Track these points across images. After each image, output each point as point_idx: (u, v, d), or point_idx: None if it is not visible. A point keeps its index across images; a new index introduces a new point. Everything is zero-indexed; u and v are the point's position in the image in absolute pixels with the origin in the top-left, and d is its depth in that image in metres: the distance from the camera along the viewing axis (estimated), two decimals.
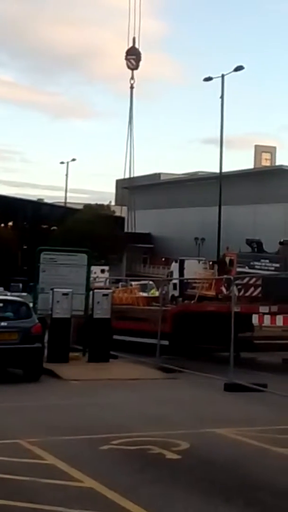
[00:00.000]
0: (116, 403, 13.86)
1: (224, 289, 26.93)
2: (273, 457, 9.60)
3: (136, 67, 46.88)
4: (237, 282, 23.62)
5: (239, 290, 24.06)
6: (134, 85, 47.58)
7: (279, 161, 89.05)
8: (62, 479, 8.06)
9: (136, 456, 9.34)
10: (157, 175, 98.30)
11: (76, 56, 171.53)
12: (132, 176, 74.47)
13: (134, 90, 52.35)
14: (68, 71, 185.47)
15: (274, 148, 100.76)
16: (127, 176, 59.22)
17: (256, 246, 38.51)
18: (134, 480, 8.18)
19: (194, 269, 44.42)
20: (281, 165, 73.95)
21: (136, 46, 48.56)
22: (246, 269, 32.68)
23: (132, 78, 47.10)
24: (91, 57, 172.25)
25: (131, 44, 51.43)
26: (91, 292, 20.22)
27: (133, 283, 45.92)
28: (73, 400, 14.17)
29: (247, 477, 8.53)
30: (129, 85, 47.30)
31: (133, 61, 47.04)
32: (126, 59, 47.59)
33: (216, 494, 7.78)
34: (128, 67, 47.03)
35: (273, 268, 33.14)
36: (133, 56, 47.15)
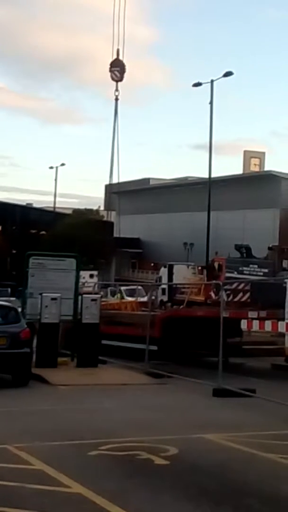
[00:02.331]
0: (105, 408, 13.83)
1: (213, 294, 27.01)
2: (262, 463, 9.60)
3: (121, 79, 46.67)
4: (226, 287, 23.67)
5: (228, 295, 24.11)
6: (119, 97, 47.36)
7: (268, 167, 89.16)
8: (50, 484, 8.03)
9: (125, 462, 9.32)
10: (146, 180, 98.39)
11: (66, 62, 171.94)
12: (115, 190, 74.22)
13: (119, 100, 52.29)
14: (58, 77, 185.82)
15: (263, 153, 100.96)
16: (112, 183, 59.10)
17: (245, 251, 38.66)
18: (122, 486, 8.16)
19: (183, 274, 44.53)
20: (270, 171, 74.07)
21: (121, 58, 48.45)
22: (235, 274, 32.80)
23: (116, 90, 46.86)
24: (82, 63, 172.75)
25: (115, 56, 51.41)
26: (79, 297, 20.19)
27: (122, 288, 46.04)
28: (61, 405, 14.13)
29: (235, 482, 8.53)
30: (114, 97, 47.04)
31: (117, 73, 46.83)
32: (111, 71, 47.39)
33: (204, 499, 7.77)
34: (113, 79, 46.82)
35: (261, 273, 33.27)
36: (117, 68, 46.97)
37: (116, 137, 44.46)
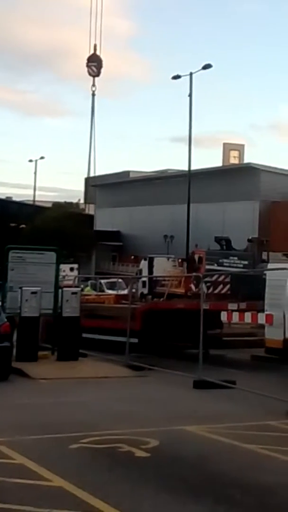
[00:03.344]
0: (86, 401, 13.83)
1: (193, 287, 27.04)
2: (242, 454, 9.65)
3: (98, 74, 46.48)
4: (206, 279, 23.75)
5: (208, 288, 24.18)
6: (96, 92, 47.07)
7: (247, 159, 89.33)
8: (31, 478, 8.03)
9: (106, 455, 9.33)
10: (126, 173, 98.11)
11: (47, 55, 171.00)
12: (95, 183, 73.69)
13: (97, 96, 51.77)
14: (39, 70, 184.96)
15: (242, 146, 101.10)
16: (92, 176, 59.03)
17: (225, 243, 38.76)
18: (103, 479, 8.18)
19: (163, 266, 44.51)
20: (249, 163, 74.14)
21: (98, 52, 48.28)
22: (215, 267, 32.89)
23: (93, 85, 46.59)
24: (62, 56, 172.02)
25: (92, 51, 50.76)
26: (60, 291, 20.15)
27: (102, 281, 46.00)
28: (42, 399, 14.11)
29: (216, 474, 8.57)
30: (91, 92, 46.72)
31: (94, 68, 46.65)
32: (88, 66, 47.17)
33: (185, 491, 7.80)
34: (90, 74, 46.62)
35: (241, 266, 33.39)
36: (94, 63, 46.79)
37: (93, 132, 44.42)
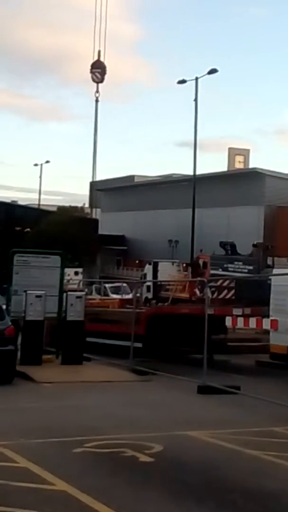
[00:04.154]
0: (89, 405, 13.83)
1: (197, 291, 27.00)
2: (246, 459, 9.63)
3: (101, 81, 46.41)
4: (210, 284, 23.70)
5: (213, 293, 24.13)
6: (100, 98, 47.04)
7: (252, 164, 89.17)
8: (34, 482, 8.02)
9: (109, 459, 9.32)
10: (131, 177, 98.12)
11: (52, 60, 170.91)
12: (100, 188, 73.30)
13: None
14: (44, 75, 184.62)
15: (248, 150, 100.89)
16: (96, 181, 58.92)
17: (230, 248, 38.65)
18: (107, 483, 8.17)
19: (168, 271, 44.43)
20: (255, 168, 74.10)
21: (102, 58, 48.29)
22: (220, 272, 32.75)
23: (97, 91, 46.52)
24: (67, 60, 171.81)
25: (96, 57, 50.63)
26: (64, 294, 20.16)
27: (106, 285, 45.98)
28: (46, 402, 14.11)
29: (219, 479, 8.56)
30: (94, 98, 46.73)
31: (98, 75, 46.54)
32: (92, 72, 47.09)
33: (188, 496, 7.79)
34: (94, 80, 46.50)
35: (246, 271, 33.26)
36: (98, 70, 46.68)
37: (96, 138, 44.34)
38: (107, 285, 46.26)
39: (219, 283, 25.93)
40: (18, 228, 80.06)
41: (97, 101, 46.11)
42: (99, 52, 46.48)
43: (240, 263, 34.10)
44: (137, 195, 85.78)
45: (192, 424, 11.77)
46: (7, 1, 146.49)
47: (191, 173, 50.81)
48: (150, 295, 37.69)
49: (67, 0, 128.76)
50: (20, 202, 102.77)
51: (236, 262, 34.21)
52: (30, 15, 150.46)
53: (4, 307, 18.51)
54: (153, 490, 7.97)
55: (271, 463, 9.43)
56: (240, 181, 71.35)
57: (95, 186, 76.53)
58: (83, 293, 22.98)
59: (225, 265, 34.08)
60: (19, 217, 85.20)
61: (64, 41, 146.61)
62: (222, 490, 8.09)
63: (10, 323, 16.97)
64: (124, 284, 39.70)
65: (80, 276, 49.39)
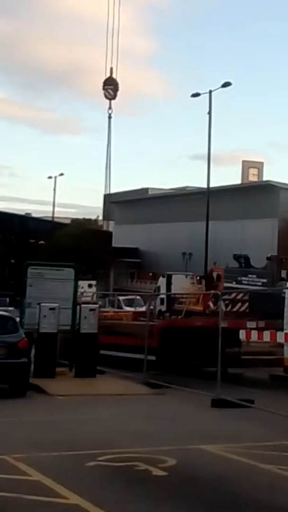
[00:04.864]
0: (103, 418, 13.79)
1: (211, 304, 26.93)
2: (260, 474, 9.56)
3: (114, 97, 46.26)
4: (224, 297, 23.64)
5: (227, 305, 24.07)
6: (112, 115, 47.07)
7: (266, 177, 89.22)
8: (47, 495, 7.99)
9: (123, 473, 9.28)
10: (145, 190, 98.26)
11: (66, 73, 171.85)
12: (114, 200, 73.15)
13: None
14: (58, 88, 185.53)
15: (262, 163, 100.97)
16: (111, 193, 58.89)
17: (244, 261, 38.54)
18: (120, 497, 8.13)
19: (182, 284, 44.37)
20: (268, 181, 74.07)
21: (114, 76, 48.46)
22: (234, 284, 32.66)
23: (110, 108, 46.56)
24: (81, 74, 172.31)
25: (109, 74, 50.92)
26: (78, 307, 20.16)
27: (120, 298, 45.96)
28: (59, 415, 14.08)
29: (233, 494, 8.49)
30: (107, 114, 46.88)
31: (111, 91, 46.41)
32: (104, 89, 47.13)
33: (201, 510, 7.73)
34: (106, 97, 46.41)
35: (260, 284, 33.17)
36: (110, 86, 46.61)
37: (109, 154, 44.31)
38: (120, 298, 46.22)
39: (233, 296, 25.87)
40: (32, 241, 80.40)
41: (110, 117, 46.12)
42: (111, 69, 46.59)
43: (254, 276, 34.01)
44: (151, 208, 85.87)
45: (206, 438, 11.71)
46: (22, 16, 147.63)
47: (205, 186, 50.81)
48: (163, 308, 37.64)
49: (80, 15, 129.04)
50: (34, 215, 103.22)
51: (250, 275, 34.13)
52: (44, 30, 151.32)
53: (17, 319, 18.54)
54: (166, 504, 7.92)
55: (285, 477, 9.36)
56: (254, 194, 71.32)
57: (109, 199, 76.62)
58: (97, 305, 22.98)
59: (239, 278, 33.99)
60: (33, 230, 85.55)
61: (78, 54, 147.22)
62: (236, 504, 8.03)
63: (23, 336, 16.97)
64: (138, 297, 39.67)
65: (93, 289, 49.44)
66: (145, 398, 16.96)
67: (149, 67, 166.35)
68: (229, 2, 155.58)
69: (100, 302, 34.16)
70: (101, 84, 46.87)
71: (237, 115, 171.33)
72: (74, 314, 19.92)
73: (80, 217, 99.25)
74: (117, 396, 16.90)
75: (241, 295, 25.93)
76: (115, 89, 49.08)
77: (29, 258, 28.68)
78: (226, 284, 32.06)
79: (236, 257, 40.19)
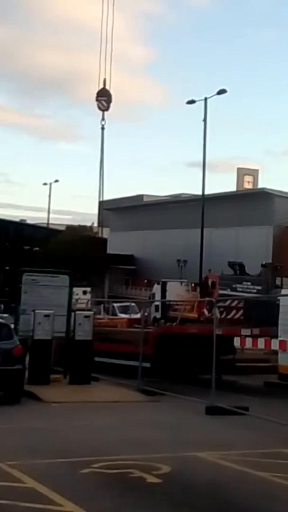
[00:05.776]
0: (97, 426, 13.78)
1: (206, 311, 27.00)
2: (255, 481, 9.56)
3: (107, 109, 46.46)
4: (219, 304, 23.70)
5: (221, 313, 24.13)
6: (105, 126, 47.18)
7: (261, 184, 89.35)
8: (42, 502, 7.98)
9: (117, 480, 9.28)
10: (140, 196, 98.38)
11: (63, 80, 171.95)
12: (109, 207, 73.07)
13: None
14: (55, 95, 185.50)
15: (257, 171, 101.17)
16: (106, 200, 58.93)
17: (238, 268, 38.62)
18: (114, 504, 8.13)
19: (176, 291, 44.46)
20: (263, 188, 74.22)
21: (107, 87, 48.61)
22: (228, 292, 32.73)
23: (103, 119, 46.68)
24: (78, 81, 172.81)
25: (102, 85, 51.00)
26: (72, 314, 20.16)
27: (115, 305, 46.00)
28: (53, 422, 14.06)
29: (227, 501, 8.50)
30: (100, 126, 46.99)
31: (104, 103, 46.53)
32: (97, 100, 47.26)
33: None
34: (99, 108, 46.53)
35: (255, 291, 33.25)
36: (104, 98, 46.77)
37: (102, 165, 44.44)
38: (115, 305, 46.29)
39: (227, 303, 25.93)
40: (27, 247, 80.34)
41: (103, 128, 46.27)
42: (104, 80, 46.72)
43: (249, 283, 34.09)
44: (146, 215, 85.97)
45: (200, 445, 11.71)
46: (19, 23, 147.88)
47: (200, 193, 50.95)
48: (158, 315, 37.71)
49: (77, 22, 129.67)
50: (29, 221, 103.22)
51: (244, 282, 34.20)
52: (41, 37, 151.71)
53: (12, 326, 18.53)
54: (161, 511, 7.91)
55: (280, 485, 9.36)
56: (249, 201, 71.45)
57: (104, 206, 76.68)
58: (92, 312, 22.97)
59: (234, 285, 34.06)
60: (28, 236, 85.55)
61: (75, 61, 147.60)
62: None
63: (18, 343, 16.96)
64: (133, 304, 39.76)
65: (88, 296, 49.42)
66: (139, 405, 16.95)
67: (145, 74, 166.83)
68: (225, 10, 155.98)
69: (95, 309, 34.17)
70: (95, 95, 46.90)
71: (233, 123, 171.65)
72: (69, 321, 19.92)
73: (75, 223, 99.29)
74: (111, 403, 16.88)
75: (236, 302, 25.99)
76: (109, 101, 49.25)
77: (24, 265, 28.64)
78: (221, 291, 32.12)
79: (231, 264, 40.26)
